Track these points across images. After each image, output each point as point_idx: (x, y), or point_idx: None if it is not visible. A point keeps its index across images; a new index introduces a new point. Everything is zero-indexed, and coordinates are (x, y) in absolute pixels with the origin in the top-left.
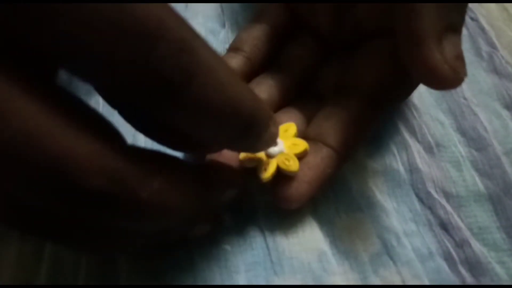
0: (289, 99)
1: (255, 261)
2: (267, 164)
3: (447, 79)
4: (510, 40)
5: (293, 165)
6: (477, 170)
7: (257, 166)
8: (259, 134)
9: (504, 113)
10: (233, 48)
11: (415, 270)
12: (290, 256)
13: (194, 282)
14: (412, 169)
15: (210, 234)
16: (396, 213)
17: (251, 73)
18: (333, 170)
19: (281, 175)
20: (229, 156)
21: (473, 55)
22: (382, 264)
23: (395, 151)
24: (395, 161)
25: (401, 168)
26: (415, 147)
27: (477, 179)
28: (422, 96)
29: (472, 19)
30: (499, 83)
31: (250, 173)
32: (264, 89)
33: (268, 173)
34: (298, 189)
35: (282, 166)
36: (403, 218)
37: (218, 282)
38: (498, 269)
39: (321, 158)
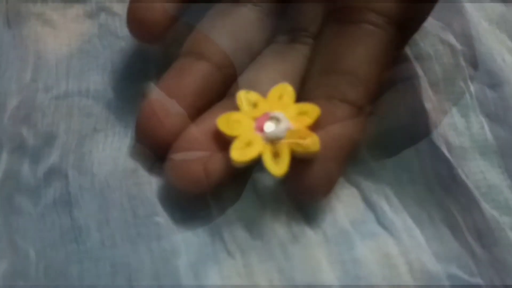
0: (264, 43)
1: (199, 238)
2: (276, 152)
3: None
4: None
5: (312, 143)
6: (487, 115)
7: (262, 160)
8: None
9: None
10: None
11: (416, 240)
12: (247, 224)
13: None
14: (417, 109)
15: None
16: (388, 170)
17: None
18: (361, 134)
19: (296, 160)
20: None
21: None
22: (371, 233)
23: (400, 86)
24: (397, 97)
25: (402, 109)
26: (423, 80)
27: (486, 126)
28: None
29: None
30: (507, 12)
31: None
32: (229, 30)
33: (282, 165)
34: (325, 173)
35: (298, 149)
36: (396, 177)
37: (149, 270)
38: None
39: (342, 122)
